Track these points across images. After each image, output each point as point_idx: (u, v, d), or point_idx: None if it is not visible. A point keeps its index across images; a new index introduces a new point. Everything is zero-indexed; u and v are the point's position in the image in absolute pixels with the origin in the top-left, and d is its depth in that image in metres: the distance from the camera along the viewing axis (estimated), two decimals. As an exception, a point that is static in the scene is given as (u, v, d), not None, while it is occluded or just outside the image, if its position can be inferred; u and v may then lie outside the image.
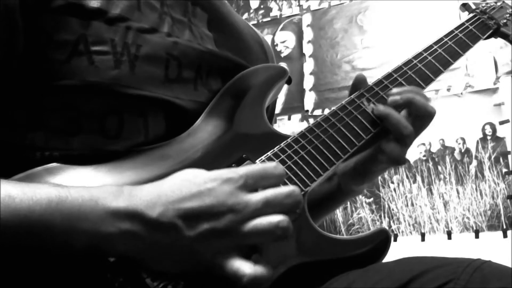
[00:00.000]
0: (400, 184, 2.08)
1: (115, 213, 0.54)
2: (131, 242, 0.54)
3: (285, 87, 2.48)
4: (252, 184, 0.58)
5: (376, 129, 0.78)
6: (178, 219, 0.54)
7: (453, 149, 2.04)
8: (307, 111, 2.34)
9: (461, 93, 2.06)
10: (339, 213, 2.15)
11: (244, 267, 0.54)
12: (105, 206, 0.54)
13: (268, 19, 2.57)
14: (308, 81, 2.38)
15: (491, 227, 1.92)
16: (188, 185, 0.56)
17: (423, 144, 2.08)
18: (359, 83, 0.82)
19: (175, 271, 0.56)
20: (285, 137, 0.74)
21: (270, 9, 2.58)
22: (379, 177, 2.11)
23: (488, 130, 2.00)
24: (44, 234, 0.52)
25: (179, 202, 0.55)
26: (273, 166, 0.60)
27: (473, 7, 0.98)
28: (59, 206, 0.53)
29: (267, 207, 0.57)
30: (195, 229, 0.54)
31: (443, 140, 2.06)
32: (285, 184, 0.65)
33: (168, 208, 0.54)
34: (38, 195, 0.53)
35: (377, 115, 0.78)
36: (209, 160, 0.69)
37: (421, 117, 0.79)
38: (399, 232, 2.04)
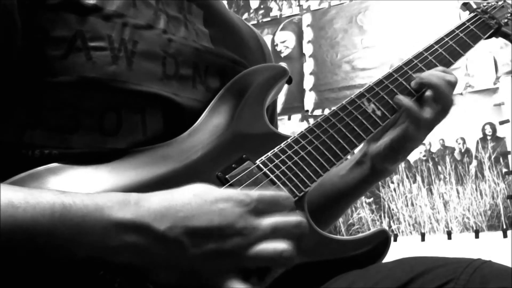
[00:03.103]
0: (400, 184, 2.08)
1: (120, 225, 0.53)
2: (135, 254, 0.53)
3: (285, 87, 2.47)
4: (262, 209, 0.57)
5: (376, 129, 0.78)
6: (184, 236, 0.53)
7: (453, 149, 2.04)
8: (307, 111, 2.34)
9: (461, 93, 2.06)
10: (339, 213, 2.15)
11: None
12: (111, 217, 0.53)
13: (268, 19, 2.57)
14: (308, 81, 2.38)
15: (491, 227, 1.92)
16: (199, 201, 0.55)
17: (423, 144, 2.08)
18: None
19: (176, 284, 0.55)
20: (285, 137, 0.74)
21: (270, 9, 2.58)
22: (379, 177, 2.11)
23: (488, 130, 2.00)
24: (47, 244, 0.51)
25: (188, 219, 0.54)
26: (285, 197, 0.60)
27: (474, 6, 0.98)
28: (62, 216, 0.52)
29: (274, 234, 0.56)
30: (200, 248, 0.54)
31: (443, 140, 2.06)
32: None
33: (176, 223, 0.54)
34: (41, 204, 0.52)
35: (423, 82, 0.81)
36: (209, 160, 0.69)
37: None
38: (399, 232, 2.04)
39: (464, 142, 2.03)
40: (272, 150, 0.71)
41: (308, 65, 2.40)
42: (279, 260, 0.55)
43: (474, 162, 2.00)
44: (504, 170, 1.94)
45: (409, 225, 2.04)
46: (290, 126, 2.32)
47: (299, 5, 2.50)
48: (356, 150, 0.85)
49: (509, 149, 1.96)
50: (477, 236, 1.93)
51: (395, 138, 0.82)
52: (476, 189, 1.96)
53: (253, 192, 0.59)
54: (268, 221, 0.57)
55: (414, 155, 2.09)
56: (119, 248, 0.53)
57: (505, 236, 1.89)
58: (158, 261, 0.54)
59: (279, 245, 0.55)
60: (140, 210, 0.54)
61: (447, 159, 2.04)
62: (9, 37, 0.63)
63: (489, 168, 1.97)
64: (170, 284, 0.55)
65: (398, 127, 0.82)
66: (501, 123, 1.99)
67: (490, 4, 0.98)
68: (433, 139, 2.07)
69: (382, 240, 0.72)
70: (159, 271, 0.54)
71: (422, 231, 2.01)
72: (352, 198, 0.93)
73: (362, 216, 2.12)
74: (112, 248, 0.52)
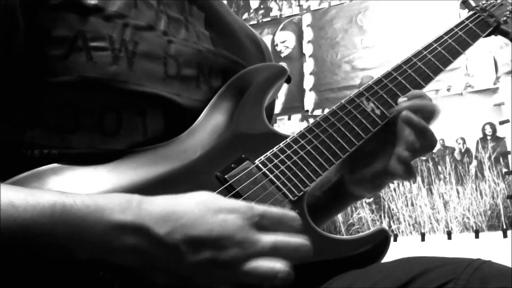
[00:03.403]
0: (400, 184, 2.08)
1: (120, 227, 0.53)
2: (134, 256, 0.53)
3: (285, 86, 2.48)
4: (266, 225, 0.57)
5: (375, 129, 0.78)
6: (183, 243, 0.53)
7: (453, 149, 2.04)
8: (307, 111, 2.34)
9: (461, 93, 2.06)
10: (339, 213, 2.15)
11: None
12: (111, 219, 0.53)
13: (268, 19, 2.57)
14: (308, 81, 2.38)
15: (491, 227, 1.91)
16: (202, 210, 0.55)
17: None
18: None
19: (173, 286, 0.55)
20: (284, 137, 0.74)
21: (270, 9, 2.58)
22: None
23: (488, 130, 2.00)
24: (47, 243, 0.52)
25: (188, 227, 0.54)
26: (292, 217, 0.59)
27: (473, 4, 0.97)
28: (63, 216, 0.52)
29: (274, 252, 0.55)
30: (197, 256, 0.54)
31: (443, 140, 2.06)
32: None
33: (176, 229, 0.54)
34: (41, 204, 0.52)
35: (403, 120, 0.77)
36: (208, 160, 0.69)
37: (430, 120, 0.78)
38: (399, 232, 2.04)
39: (464, 142, 2.03)
40: (271, 150, 0.71)
41: (308, 65, 2.40)
42: (273, 280, 0.54)
43: (474, 162, 2.00)
44: (504, 170, 1.94)
45: (409, 225, 2.04)
46: (290, 126, 2.32)
47: (299, 5, 2.50)
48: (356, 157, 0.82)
49: (509, 149, 1.96)
50: (477, 236, 1.92)
51: (377, 172, 0.79)
52: (476, 189, 1.96)
53: (259, 207, 0.58)
54: (269, 238, 0.56)
55: (414, 155, 2.09)
56: (119, 249, 0.53)
57: (505, 236, 1.89)
58: (156, 264, 0.54)
59: (276, 265, 0.54)
60: (142, 213, 0.54)
61: (447, 159, 2.04)
62: (11, 36, 0.63)
63: (489, 168, 1.97)
64: (168, 287, 0.55)
65: (380, 161, 0.79)
66: (501, 123, 1.99)
67: (489, 2, 0.97)
68: (433, 139, 2.07)
69: (382, 240, 0.72)
70: (157, 273, 0.54)
71: (422, 231, 2.01)
72: (328, 216, 0.90)
73: (362, 216, 2.12)
74: (111, 249, 0.53)
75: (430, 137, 0.76)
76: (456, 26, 0.91)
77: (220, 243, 0.54)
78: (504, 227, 1.89)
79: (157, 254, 0.53)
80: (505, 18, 0.97)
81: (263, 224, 0.57)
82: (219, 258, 0.54)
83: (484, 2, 0.98)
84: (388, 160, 0.78)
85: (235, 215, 0.56)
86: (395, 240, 2.03)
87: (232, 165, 0.69)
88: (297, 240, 0.57)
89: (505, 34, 0.97)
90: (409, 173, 0.76)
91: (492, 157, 1.97)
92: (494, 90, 2.02)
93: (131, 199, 0.55)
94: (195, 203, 0.56)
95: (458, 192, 1.99)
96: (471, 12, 0.95)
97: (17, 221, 0.51)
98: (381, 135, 0.79)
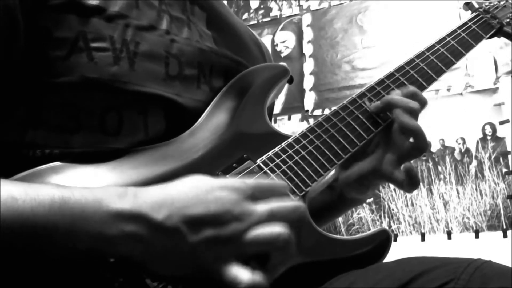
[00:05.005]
0: (400, 184, 2.08)
1: (118, 215, 0.54)
2: (134, 244, 0.54)
3: (285, 86, 2.48)
4: (258, 195, 0.58)
5: (377, 129, 0.78)
6: (182, 224, 0.54)
7: (453, 149, 2.04)
8: (307, 111, 2.34)
9: (461, 93, 2.06)
10: (339, 213, 2.15)
11: (242, 274, 0.55)
12: (109, 208, 0.54)
13: (268, 19, 2.57)
14: (308, 81, 2.38)
15: (491, 227, 1.92)
16: (195, 191, 0.56)
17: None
18: None
19: (175, 274, 0.56)
20: (286, 136, 0.74)
21: (270, 9, 2.58)
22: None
23: (488, 130, 2.00)
24: (46, 235, 0.52)
25: (185, 208, 0.55)
26: (282, 184, 0.62)
27: (476, 6, 0.97)
28: (62, 207, 0.52)
29: (271, 218, 0.57)
30: (199, 235, 0.54)
31: (443, 140, 2.06)
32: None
33: (173, 212, 0.54)
34: (41, 196, 0.52)
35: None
36: (210, 160, 0.69)
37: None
38: (399, 232, 2.04)
39: (464, 142, 2.03)
40: (273, 150, 0.72)
41: (308, 65, 2.40)
42: (276, 243, 0.56)
43: (474, 162, 2.00)
44: (504, 170, 1.94)
45: (409, 225, 2.04)
46: (290, 126, 2.32)
47: (299, 5, 2.50)
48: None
49: (509, 149, 1.96)
50: (477, 236, 1.93)
51: (365, 172, 0.78)
52: (476, 189, 1.97)
53: (249, 180, 0.60)
54: (264, 206, 0.58)
55: (414, 155, 2.09)
56: (118, 237, 0.53)
57: (505, 236, 1.89)
58: (157, 251, 0.54)
59: (276, 229, 0.56)
60: (138, 200, 0.55)
61: (447, 159, 2.04)
62: (12, 37, 0.63)
63: (489, 168, 1.97)
64: (168, 276, 0.55)
65: (368, 160, 0.78)
66: (501, 123, 1.99)
67: (492, 4, 0.97)
68: (433, 139, 2.07)
69: (383, 240, 0.72)
70: (157, 261, 0.55)
71: (422, 231, 2.01)
72: (320, 221, 0.87)
73: (362, 216, 2.12)
74: (110, 238, 0.53)
75: (420, 138, 0.74)
76: (459, 27, 0.91)
77: (219, 220, 0.55)
78: (504, 227, 1.90)
79: (158, 240, 0.54)
80: (508, 20, 0.96)
81: (256, 195, 0.58)
82: (221, 234, 0.55)
83: (487, 3, 0.97)
84: (377, 161, 0.77)
85: (228, 191, 0.57)
86: (395, 240, 2.04)
87: (234, 165, 0.69)
88: (291, 202, 0.59)
89: (508, 35, 0.96)
90: (410, 183, 0.74)
91: (492, 157, 1.97)
92: (494, 90, 2.03)
93: (127, 190, 0.56)
94: (187, 186, 0.57)
95: (458, 192, 1.99)
96: (474, 14, 0.95)
97: (17, 213, 0.51)
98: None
